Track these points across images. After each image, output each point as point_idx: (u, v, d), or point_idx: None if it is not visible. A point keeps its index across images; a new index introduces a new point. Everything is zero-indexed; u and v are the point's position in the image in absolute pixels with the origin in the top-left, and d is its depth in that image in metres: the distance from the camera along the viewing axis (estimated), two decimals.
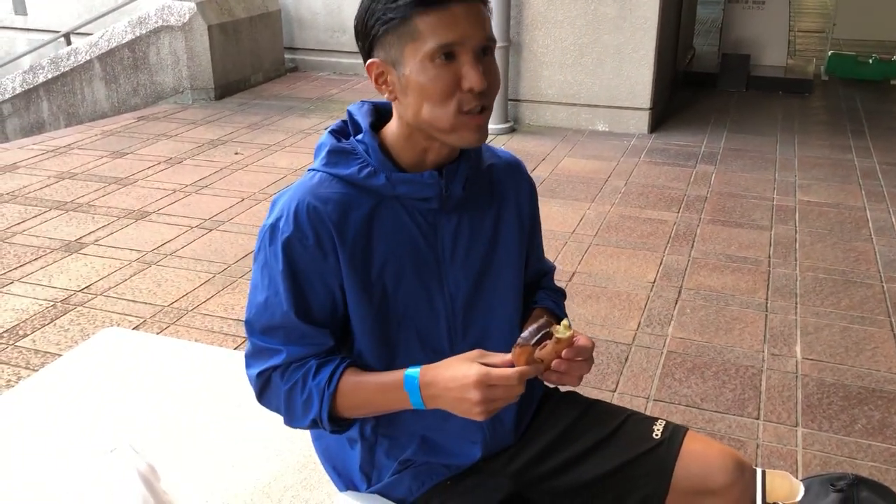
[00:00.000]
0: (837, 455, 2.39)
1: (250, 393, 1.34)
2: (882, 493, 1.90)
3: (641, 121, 5.75)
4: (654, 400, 2.64)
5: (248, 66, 7.10)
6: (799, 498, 1.75)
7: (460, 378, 1.15)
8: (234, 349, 2.94)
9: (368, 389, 1.25)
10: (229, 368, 2.78)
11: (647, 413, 2.45)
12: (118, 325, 3.12)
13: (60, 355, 2.90)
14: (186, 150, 5.35)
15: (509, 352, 1.18)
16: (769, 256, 3.75)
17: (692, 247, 3.85)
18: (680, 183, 4.75)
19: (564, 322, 1.20)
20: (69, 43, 7.13)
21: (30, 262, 3.67)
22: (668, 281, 3.49)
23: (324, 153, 1.28)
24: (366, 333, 1.29)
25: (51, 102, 6.84)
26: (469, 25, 1.16)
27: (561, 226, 4.07)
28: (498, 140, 5.56)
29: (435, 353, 1.29)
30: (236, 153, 5.29)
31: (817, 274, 3.58)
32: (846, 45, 8.75)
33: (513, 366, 1.16)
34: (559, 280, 2.07)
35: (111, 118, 6.44)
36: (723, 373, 2.80)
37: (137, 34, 6.56)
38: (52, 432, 2.46)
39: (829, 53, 7.78)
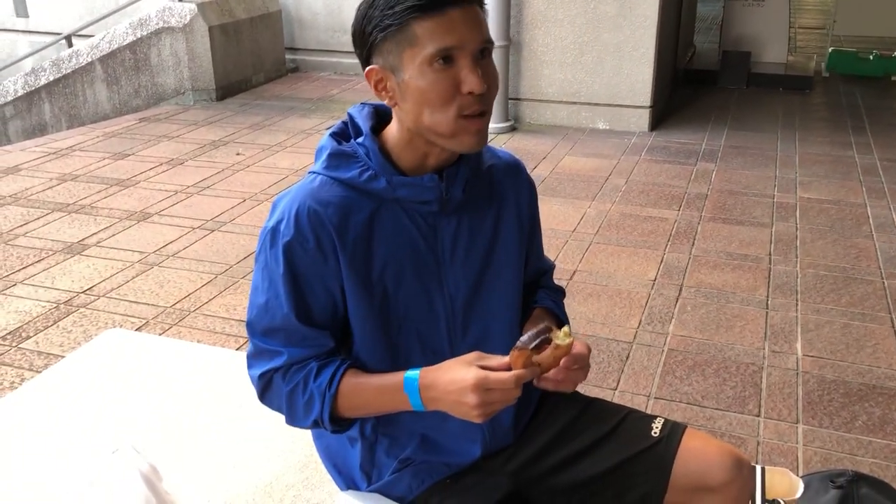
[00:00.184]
0: (838, 452, 2.40)
1: (252, 393, 1.35)
2: (882, 490, 1.91)
3: (642, 119, 5.75)
4: (655, 398, 2.65)
5: (249, 66, 7.11)
6: (798, 494, 1.76)
7: (458, 381, 1.16)
8: (237, 350, 2.95)
9: (369, 391, 1.26)
10: (231, 369, 2.79)
11: (649, 411, 2.47)
12: (121, 326, 3.14)
13: (63, 357, 2.91)
14: (188, 151, 5.36)
15: (508, 353, 1.18)
16: (770, 254, 3.76)
17: (693, 244, 3.85)
18: (680, 181, 4.75)
19: (565, 329, 1.20)
20: (70, 45, 7.15)
21: (32, 263, 3.68)
22: (669, 279, 3.50)
23: (324, 156, 1.28)
24: (366, 335, 1.29)
25: (52, 104, 6.85)
26: (466, 29, 1.17)
27: (562, 224, 4.08)
28: (498, 139, 5.56)
29: (435, 354, 1.30)
30: (238, 154, 5.30)
31: (818, 271, 3.58)
32: (847, 41, 8.75)
33: (510, 369, 1.17)
34: (560, 279, 2.08)
35: (113, 120, 6.45)
36: (723, 370, 2.81)
37: (138, 36, 6.57)
38: (54, 433, 2.47)
39: (830, 50, 7.77)
